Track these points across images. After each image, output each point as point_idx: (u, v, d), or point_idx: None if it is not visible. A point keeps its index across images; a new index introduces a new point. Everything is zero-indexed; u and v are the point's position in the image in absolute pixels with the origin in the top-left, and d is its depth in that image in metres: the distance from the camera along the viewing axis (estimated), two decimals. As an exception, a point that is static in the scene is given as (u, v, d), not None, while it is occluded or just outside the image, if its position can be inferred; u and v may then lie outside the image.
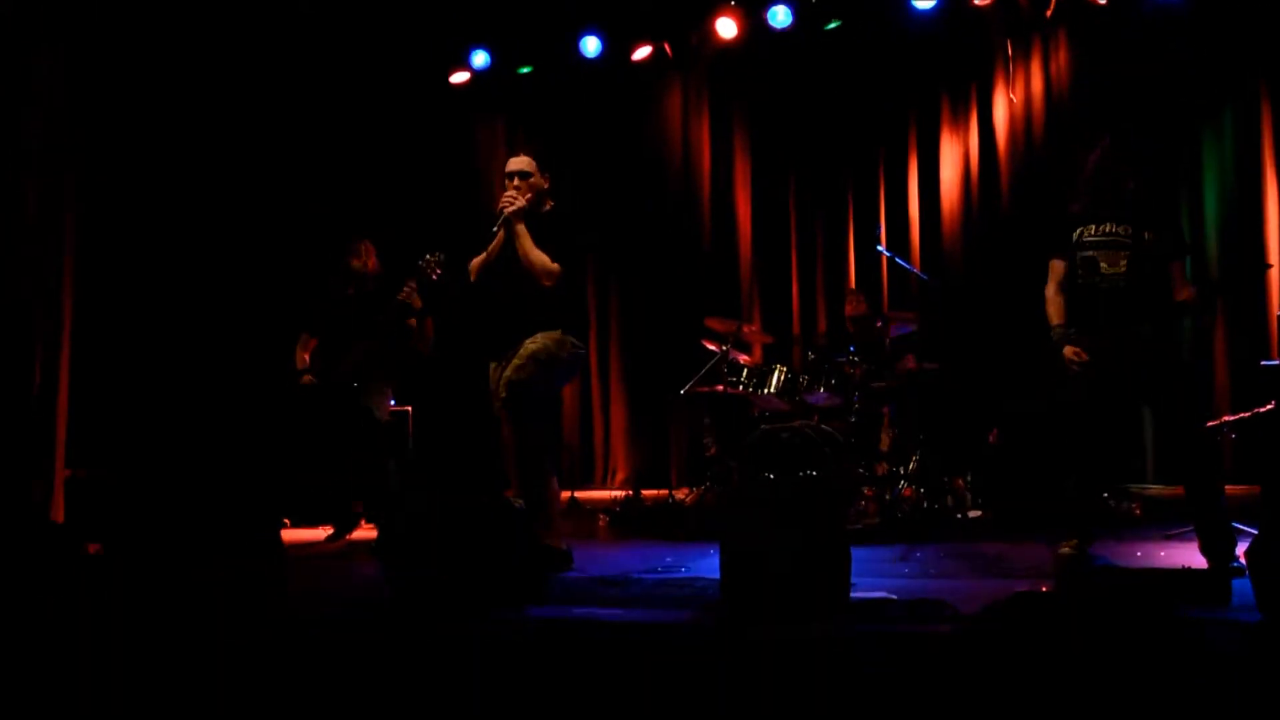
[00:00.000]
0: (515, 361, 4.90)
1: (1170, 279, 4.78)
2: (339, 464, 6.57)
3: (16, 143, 5.97)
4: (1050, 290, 4.95)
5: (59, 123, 6.11)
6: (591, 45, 9.12)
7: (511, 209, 4.91)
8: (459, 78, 9.58)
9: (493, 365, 5.09)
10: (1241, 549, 3.73)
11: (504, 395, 4.88)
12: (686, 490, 7.70)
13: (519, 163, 5.09)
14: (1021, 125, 8.51)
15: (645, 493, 7.83)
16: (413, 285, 6.30)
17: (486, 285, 5.13)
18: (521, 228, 4.93)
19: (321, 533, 6.56)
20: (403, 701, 3.40)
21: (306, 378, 6.64)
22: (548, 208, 5.12)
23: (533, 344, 4.93)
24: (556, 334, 4.99)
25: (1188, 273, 4.96)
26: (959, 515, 6.55)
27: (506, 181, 5.07)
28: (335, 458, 6.58)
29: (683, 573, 4.73)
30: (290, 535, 6.58)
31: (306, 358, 6.73)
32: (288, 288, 7.90)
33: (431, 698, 3.46)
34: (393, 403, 7.01)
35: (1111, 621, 2.40)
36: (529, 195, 4.99)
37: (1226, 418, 6.23)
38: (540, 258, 4.93)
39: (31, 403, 6.08)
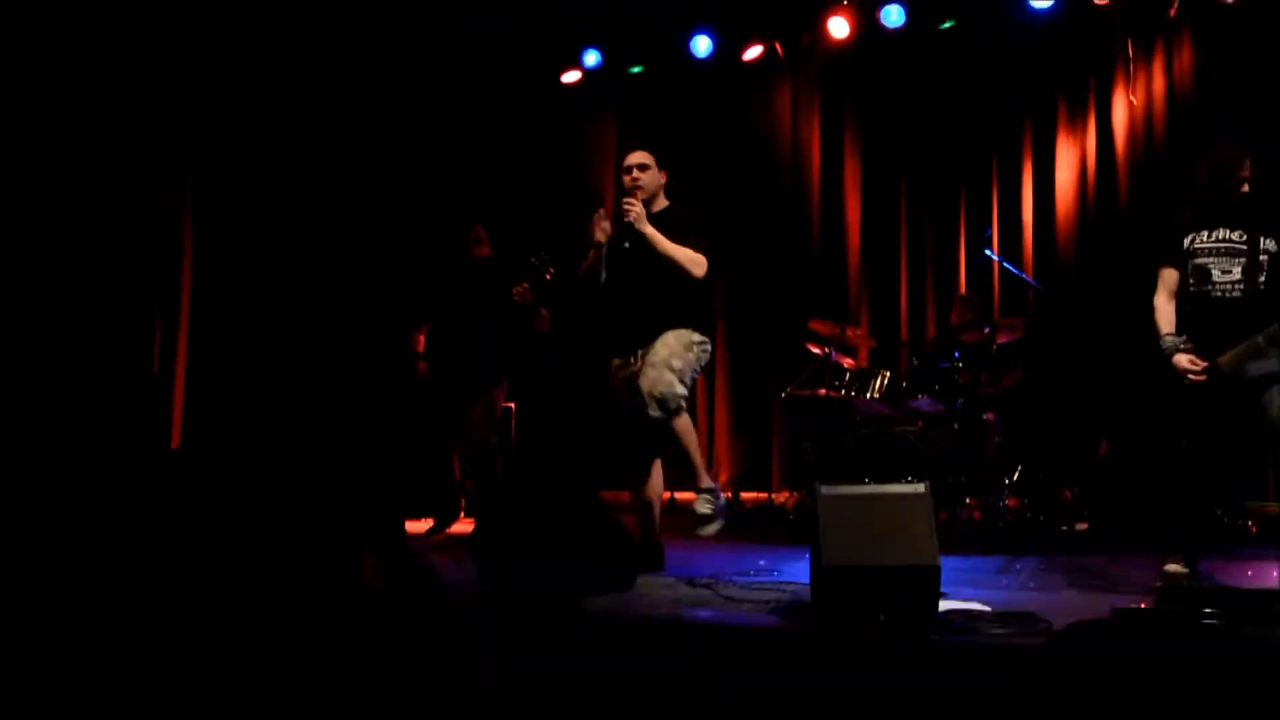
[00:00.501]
0: (650, 372, 4.87)
1: None
2: (443, 456, 6.68)
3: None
4: (1160, 299, 4.82)
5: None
6: (702, 45, 9.11)
7: (632, 216, 4.89)
8: (570, 77, 9.66)
9: (615, 361, 5.12)
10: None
11: (652, 413, 4.85)
12: (786, 493, 7.66)
13: (638, 156, 5.14)
14: (1142, 128, 8.25)
15: (745, 495, 7.81)
16: (525, 286, 6.38)
17: (610, 282, 5.13)
18: (650, 230, 4.93)
19: (424, 525, 6.67)
20: (469, 698, 3.44)
21: (421, 364, 6.72)
22: (663, 205, 5.13)
23: (664, 349, 4.92)
24: (686, 333, 5.00)
25: None
26: (1064, 527, 6.41)
27: (625, 175, 5.11)
28: (440, 450, 6.70)
29: (774, 577, 4.71)
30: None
31: (421, 343, 6.82)
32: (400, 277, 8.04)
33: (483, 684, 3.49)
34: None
35: (1201, 643, 2.32)
36: (646, 188, 5.03)
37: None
38: (685, 253, 4.94)
39: (150, 387, 6.30)
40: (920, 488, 3.78)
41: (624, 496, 5.57)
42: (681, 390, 4.92)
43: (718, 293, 9.62)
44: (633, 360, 5.03)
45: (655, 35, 9.23)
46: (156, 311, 6.54)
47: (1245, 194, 4.66)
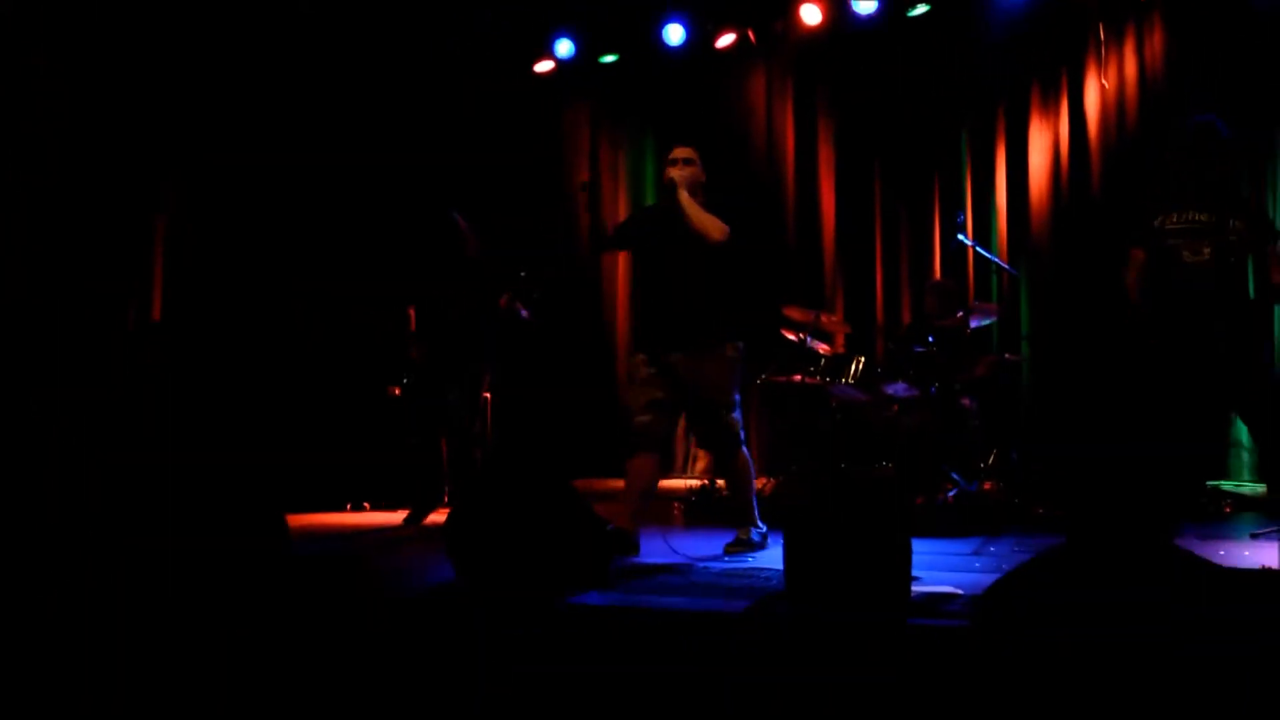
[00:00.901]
0: (709, 417, 5.00)
1: (1262, 266, 4.66)
2: (431, 442, 6.67)
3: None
4: (1130, 279, 4.86)
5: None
6: (675, 33, 9.11)
7: (675, 178, 5.04)
8: (544, 66, 9.64)
9: (640, 357, 5.11)
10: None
11: (724, 441, 5.02)
12: (763, 480, 7.66)
13: (684, 150, 5.23)
14: (1114, 113, 8.28)
15: (720, 482, 7.81)
16: (509, 297, 6.37)
17: (645, 280, 5.27)
18: (685, 197, 5.00)
19: (400, 516, 6.66)
20: (450, 688, 3.44)
21: (414, 351, 6.67)
22: (701, 202, 5.12)
23: (714, 390, 4.97)
24: (724, 355, 5.03)
25: None
26: (1039, 510, 6.43)
27: (669, 168, 5.16)
28: (415, 440, 6.69)
29: (748, 562, 4.71)
30: (367, 518, 6.71)
31: (413, 321, 6.78)
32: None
33: (482, 684, 3.50)
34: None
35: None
36: (684, 182, 5.08)
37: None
38: (711, 219, 4.99)
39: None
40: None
41: (596, 484, 5.57)
42: (741, 424, 5.07)
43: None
44: (661, 355, 5.02)
45: (628, 23, 9.22)
46: (131, 311, 6.50)
47: (1214, 175, 4.69)
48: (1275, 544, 4.54)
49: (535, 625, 3.64)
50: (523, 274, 6.34)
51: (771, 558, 4.68)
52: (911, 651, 3.18)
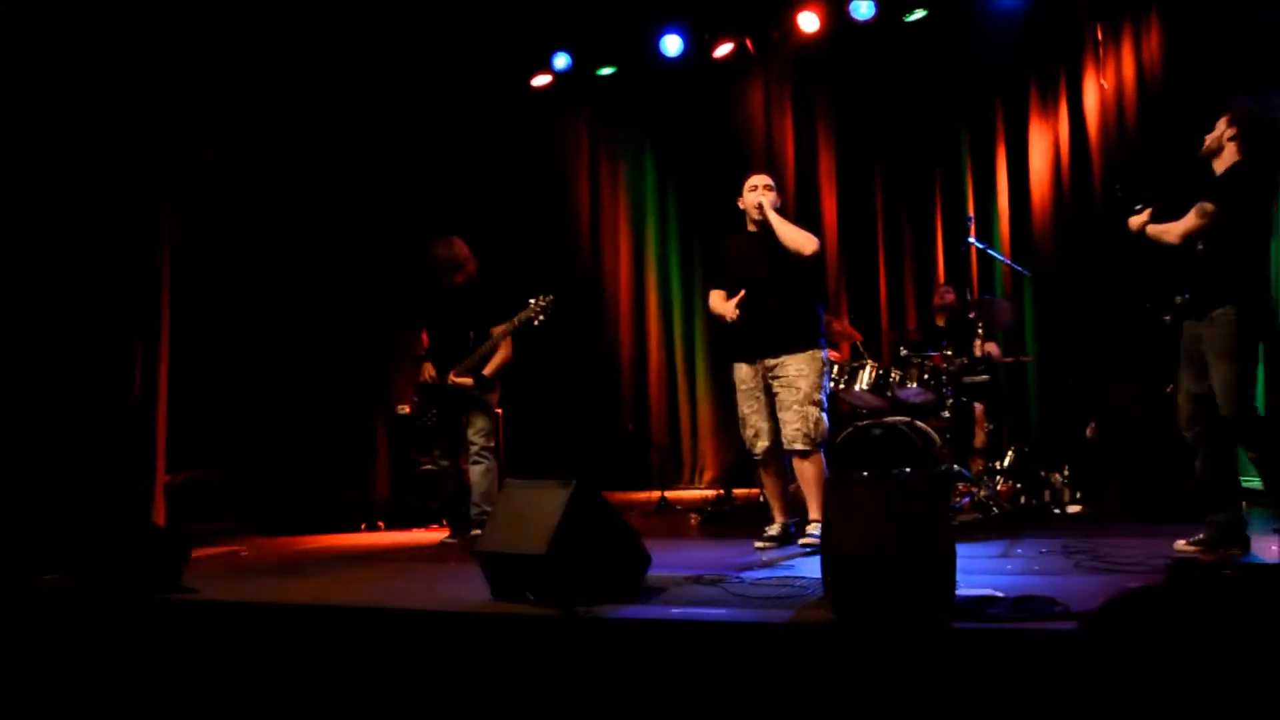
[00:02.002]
0: (797, 409, 5.29)
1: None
2: (457, 464, 6.59)
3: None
4: (1188, 227, 4.76)
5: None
6: (673, 44, 9.12)
7: (766, 202, 5.45)
8: (541, 80, 9.63)
9: (745, 368, 5.52)
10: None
11: (800, 447, 5.30)
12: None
13: (764, 178, 5.57)
14: (1113, 111, 8.31)
15: (736, 492, 7.80)
16: (519, 321, 6.33)
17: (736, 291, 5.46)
18: (774, 215, 5.44)
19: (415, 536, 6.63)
20: (502, 701, 3.41)
21: (428, 366, 6.53)
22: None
23: (804, 382, 5.32)
24: (815, 355, 5.38)
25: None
26: (1057, 511, 6.44)
27: (751, 192, 5.53)
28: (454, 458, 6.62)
29: (781, 571, 4.68)
30: (387, 538, 6.66)
31: (425, 341, 6.70)
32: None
33: (524, 694, 3.47)
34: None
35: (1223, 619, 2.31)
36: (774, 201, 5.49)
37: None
38: (800, 233, 5.42)
39: (132, 408, 6.23)
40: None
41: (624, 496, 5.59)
42: (827, 423, 5.42)
43: (697, 287, 9.65)
44: (759, 366, 5.43)
45: (625, 36, 9.22)
46: (136, 339, 6.45)
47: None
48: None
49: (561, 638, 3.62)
50: (534, 301, 6.28)
51: (808, 565, 4.66)
52: (959, 655, 3.16)
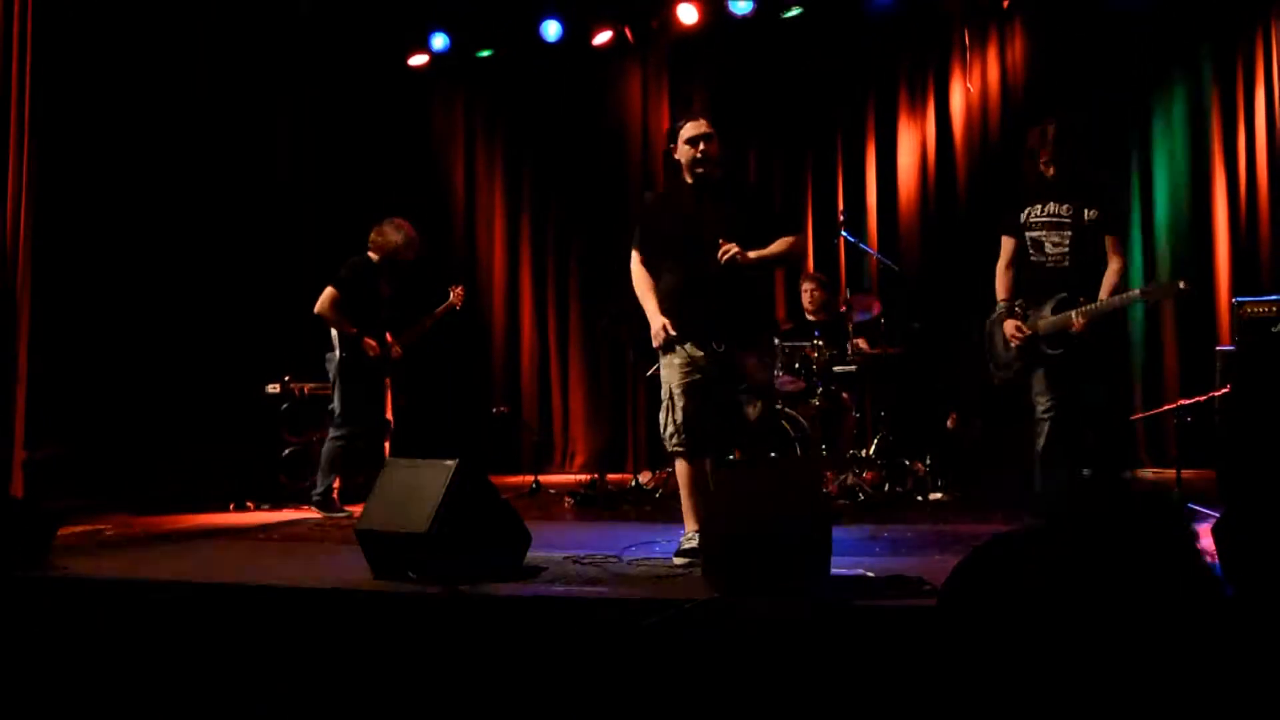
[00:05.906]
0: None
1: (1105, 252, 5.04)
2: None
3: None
4: (1000, 266, 5.26)
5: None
6: (552, 29, 9.13)
7: (731, 257, 4.40)
8: (417, 60, 9.55)
9: (699, 353, 4.58)
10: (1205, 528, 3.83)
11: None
12: (649, 473, 7.76)
13: (703, 126, 4.54)
14: (978, 114, 8.63)
15: (609, 476, 7.89)
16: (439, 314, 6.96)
17: (685, 273, 4.58)
18: (754, 256, 4.46)
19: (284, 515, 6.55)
20: (385, 679, 3.42)
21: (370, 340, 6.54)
22: (720, 174, 4.64)
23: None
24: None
25: (1134, 246, 5.20)
26: (919, 497, 6.67)
27: (691, 148, 4.53)
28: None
29: (657, 551, 4.76)
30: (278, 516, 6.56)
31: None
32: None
33: (413, 675, 3.48)
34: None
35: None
36: (717, 161, 4.56)
37: (1182, 401, 6.39)
38: (786, 251, 4.62)
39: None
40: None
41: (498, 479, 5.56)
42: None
43: (571, 272, 9.69)
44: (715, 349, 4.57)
45: (505, 19, 9.20)
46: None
47: (1072, 169, 5.05)
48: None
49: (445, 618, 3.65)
50: (452, 288, 7.04)
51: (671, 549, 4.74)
52: (835, 630, 3.28)
